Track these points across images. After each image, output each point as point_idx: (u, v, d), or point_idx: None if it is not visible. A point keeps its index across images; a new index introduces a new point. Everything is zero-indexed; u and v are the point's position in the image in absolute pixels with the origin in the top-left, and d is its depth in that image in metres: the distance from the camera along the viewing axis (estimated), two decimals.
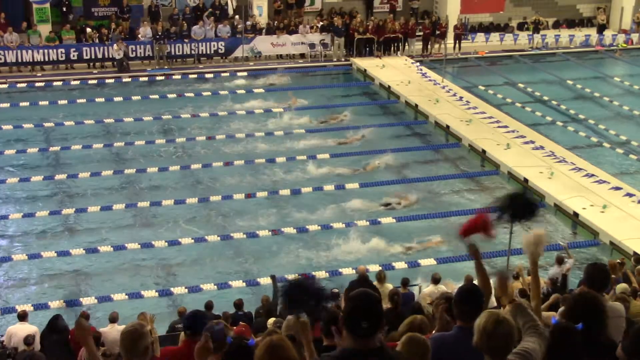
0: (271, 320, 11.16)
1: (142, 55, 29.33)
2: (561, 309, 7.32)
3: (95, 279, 16.24)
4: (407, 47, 31.78)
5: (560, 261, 14.72)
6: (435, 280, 13.59)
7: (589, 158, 22.02)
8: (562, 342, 4.95)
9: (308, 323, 5.53)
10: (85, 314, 12.53)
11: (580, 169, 20.78)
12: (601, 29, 34.39)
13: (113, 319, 12.45)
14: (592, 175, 20.38)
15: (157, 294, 15.49)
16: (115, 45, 28.12)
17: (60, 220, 18.53)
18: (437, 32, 31.89)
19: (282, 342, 4.70)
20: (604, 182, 20.00)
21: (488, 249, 17.01)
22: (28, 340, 11.52)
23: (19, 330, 12.08)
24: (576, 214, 18.59)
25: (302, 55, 31.09)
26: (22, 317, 12.50)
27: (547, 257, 16.60)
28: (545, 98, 27.70)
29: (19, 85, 27.23)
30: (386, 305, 11.18)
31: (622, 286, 11.34)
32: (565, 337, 4.97)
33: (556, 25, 35.40)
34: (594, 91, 28.56)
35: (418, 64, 30.39)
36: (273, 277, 14.29)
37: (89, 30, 29.06)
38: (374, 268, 14.86)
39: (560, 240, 17.32)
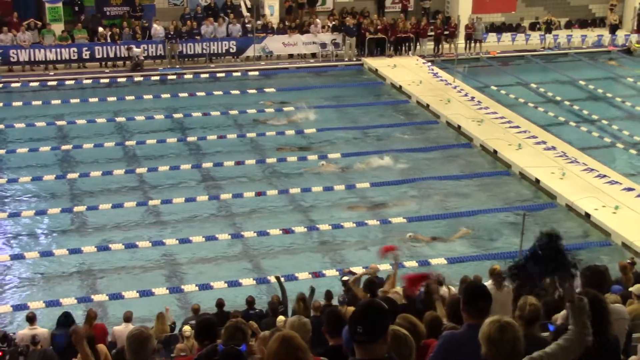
0: (281, 318, 11.18)
1: (154, 54, 29.42)
2: (563, 312, 7.29)
3: (107, 276, 16.28)
4: (418, 47, 31.73)
5: None
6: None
7: (602, 159, 21.89)
8: None
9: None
10: (94, 313, 12.55)
11: (592, 169, 20.66)
12: (613, 29, 34.21)
13: (127, 319, 12.45)
14: (604, 175, 20.27)
15: (167, 291, 15.53)
16: (133, 47, 28.28)
17: (71, 218, 18.60)
18: (448, 32, 31.83)
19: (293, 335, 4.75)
20: (616, 182, 19.88)
21: (501, 250, 17.10)
22: (35, 340, 11.54)
23: (28, 335, 11.93)
24: (588, 215, 18.50)
25: (314, 55, 31.09)
26: (31, 319, 12.32)
27: None
28: (558, 98, 27.57)
29: (31, 84, 27.32)
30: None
31: (638, 287, 11.27)
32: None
33: (568, 26, 35.22)
34: (607, 91, 28.42)
35: (429, 63, 30.30)
36: (278, 278, 14.18)
37: (100, 29, 29.17)
38: (385, 267, 14.81)
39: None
